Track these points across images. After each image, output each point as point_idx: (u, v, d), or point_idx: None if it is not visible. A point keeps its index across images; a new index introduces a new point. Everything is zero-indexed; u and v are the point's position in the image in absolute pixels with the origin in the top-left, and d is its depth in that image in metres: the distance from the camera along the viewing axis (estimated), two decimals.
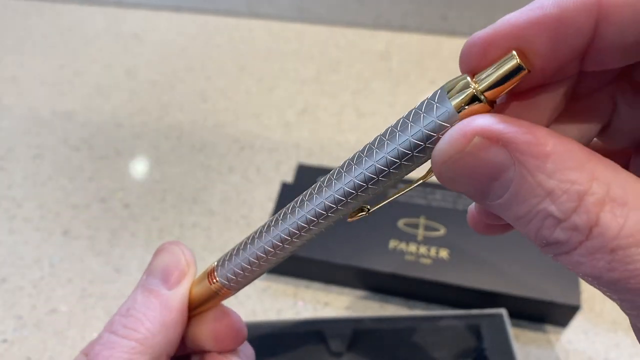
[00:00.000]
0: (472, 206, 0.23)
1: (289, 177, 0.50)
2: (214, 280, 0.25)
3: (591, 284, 0.16)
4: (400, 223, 0.42)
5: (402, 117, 0.18)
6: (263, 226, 0.23)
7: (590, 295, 0.41)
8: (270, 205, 0.47)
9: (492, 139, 0.16)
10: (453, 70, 0.64)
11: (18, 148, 0.53)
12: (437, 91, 0.18)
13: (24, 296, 0.42)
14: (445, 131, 0.17)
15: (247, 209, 0.48)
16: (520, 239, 0.40)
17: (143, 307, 0.24)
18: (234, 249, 0.24)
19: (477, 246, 0.40)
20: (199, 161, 0.52)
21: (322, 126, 0.55)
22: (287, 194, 0.44)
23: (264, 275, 0.43)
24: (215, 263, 0.25)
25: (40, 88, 0.60)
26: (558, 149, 0.15)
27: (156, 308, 0.24)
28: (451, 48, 0.63)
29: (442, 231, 0.41)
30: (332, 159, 0.51)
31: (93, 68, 0.63)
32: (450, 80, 0.17)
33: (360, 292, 0.42)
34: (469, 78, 0.17)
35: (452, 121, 0.17)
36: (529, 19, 0.16)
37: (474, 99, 0.17)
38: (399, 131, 0.18)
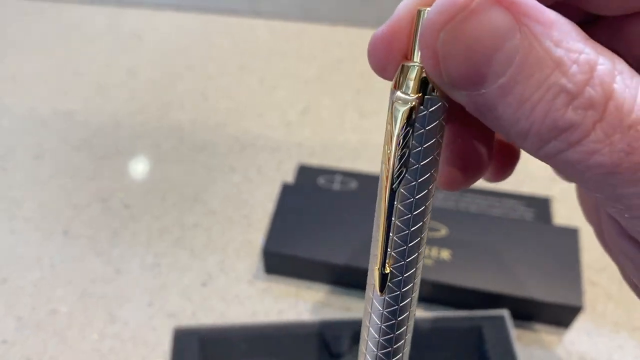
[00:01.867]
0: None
1: (290, 177, 0.50)
2: None
3: (598, 185, 0.14)
4: None
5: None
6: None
7: (592, 296, 0.41)
8: (271, 206, 0.47)
9: None
10: None
11: (18, 148, 0.53)
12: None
13: (24, 296, 0.42)
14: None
15: (249, 209, 0.47)
16: (522, 240, 0.40)
17: None
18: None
19: (478, 247, 0.40)
20: (200, 161, 0.52)
21: (324, 126, 0.55)
22: (288, 194, 0.44)
23: (264, 276, 0.43)
24: None
25: (41, 87, 0.60)
26: (560, 19, 0.14)
27: None
28: None
29: (443, 232, 0.41)
30: (334, 159, 0.51)
31: (94, 67, 0.62)
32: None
33: (362, 293, 0.42)
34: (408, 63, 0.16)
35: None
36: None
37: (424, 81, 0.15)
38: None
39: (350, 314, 0.41)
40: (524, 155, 0.55)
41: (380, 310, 0.18)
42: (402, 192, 0.17)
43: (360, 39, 0.65)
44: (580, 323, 0.39)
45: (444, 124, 0.16)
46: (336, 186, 0.47)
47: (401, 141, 0.16)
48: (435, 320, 0.36)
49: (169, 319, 0.40)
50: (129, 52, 0.64)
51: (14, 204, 0.48)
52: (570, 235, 0.40)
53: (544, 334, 0.39)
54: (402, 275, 0.18)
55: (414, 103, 0.15)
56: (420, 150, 0.16)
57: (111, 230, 0.46)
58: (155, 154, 0.53)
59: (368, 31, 0.66)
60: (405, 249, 0.17)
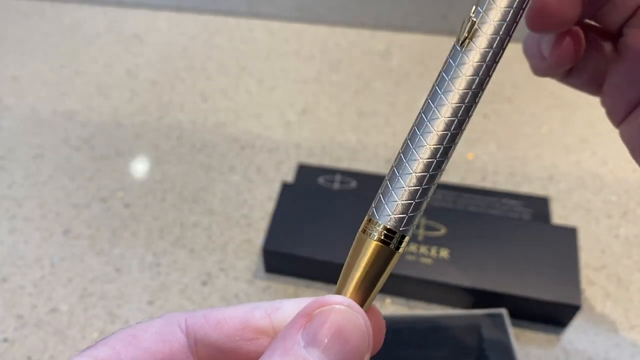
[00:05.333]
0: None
1: (290, 177, 0.50)
2: (383, 234, 0.19)
3: None
4: None
5: None
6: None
7: (590, 295, 0.41)
8: (271, 205, 0.47)
9: None
10: None
11: (19, 148, 0.53)
12: None
13: (24, 295, 0.42)
14: None
15: (248, 209, 0.48)
16: (520, 239, 0.40)
17: None
18: (386, 183, 0.19)
19: (477, 246, 0.40)
20: (199, 161, 0.52)
21: (322, 126, 0.55)
22: (288, 194, 0.44)
23: (264, 275, 0.43)
24: (374, 214, 0.19)
25: (41, 88, 0.60)
26: None
27: None
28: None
29: (442, 231, 0.41)
30: (333, 159, 0.51)
31: (93, 68, 0.63)
32: None
33: None
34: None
35: None
36: None
37: None
38: None
39: None
40: (523, 157, 0.55)
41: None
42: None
43: (359, 39, 0.65)
44: (578, 322, 0.40)
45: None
46: (336, 186, 0.47)
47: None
48: (434, 319, 0.37)
49: None
50: (128, 52, 0.64)
51: (14, 204, 0.48)
52: (569, 234, 0.41)
53: (542, 332, 0.39)
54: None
55: None
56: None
57: (111, 230, 0.46)
58: (155, 154, 0.53)
59: (366, 32, 0.66)
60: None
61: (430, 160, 0.19)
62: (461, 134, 0.19)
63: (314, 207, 0.43)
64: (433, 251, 0.40)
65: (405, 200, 0.19)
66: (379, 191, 0.20)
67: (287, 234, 0.42)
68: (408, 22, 0.67)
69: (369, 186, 0.47)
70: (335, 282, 0.46)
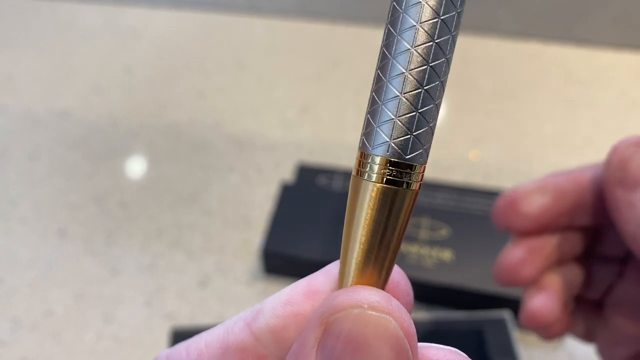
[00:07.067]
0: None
1: (289, 177, 0.49)
2: (387, 171, 0.14)
3: None
4: None
5: None
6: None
7: None
8: (270, 205, 0.47)
9: None
10: (453, 67, 0.63)
11: (14, 147, 0.53)
12: None
13: (19, 297, 0.41)
14: None
15: (247, 209, 0.47)
16: None
17: None
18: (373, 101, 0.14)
19: (480, 247, 0.40)
20: (197, 160, 0.51)
21: (323, 125, 0.54)
22: (287, 194, 0.43)
23: (263, 277, 0.42)
24: (365, 144, 0.14)
25: (36, 86, 0.59)
26: None
27: None
28: None
29: (445, 232, 0.41)
30: (333, 159, 0.51)
31: (90, 66, 0.62)
32: None
33: None
34: None
35: None
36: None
37: None
38: None
39: None
40: (525, 156, 0.54)
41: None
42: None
43: (360, 37, 0.65)
44: None
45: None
46: (336, 186, 0.46)
47: None
48: (436, 322, 0.36)
49: (166, 319, 0.40)
50: (125, 50, 0.64)
51: (10, 204, 0.48)
52: None
53: None
54: None
55: None
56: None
57: (107, 230, 0.46)
58: (152, 153, 0.52)
59: (367, 29, 0.66)
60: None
61: (427, 43, 0.13)
62: None
63: (314, 207, 0.42)
64: (435, 252, 0.39)
65: (406, 114, 0.14)
66: (367, 112, 0.15)
67: (287, 235, 0.41)
68: None
69: None
70: None
